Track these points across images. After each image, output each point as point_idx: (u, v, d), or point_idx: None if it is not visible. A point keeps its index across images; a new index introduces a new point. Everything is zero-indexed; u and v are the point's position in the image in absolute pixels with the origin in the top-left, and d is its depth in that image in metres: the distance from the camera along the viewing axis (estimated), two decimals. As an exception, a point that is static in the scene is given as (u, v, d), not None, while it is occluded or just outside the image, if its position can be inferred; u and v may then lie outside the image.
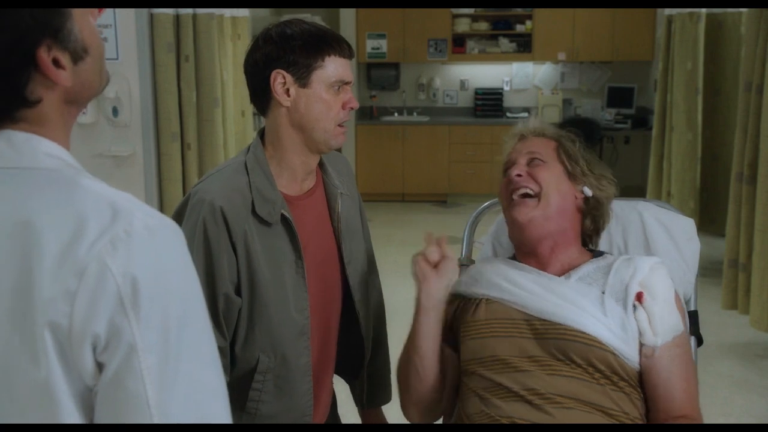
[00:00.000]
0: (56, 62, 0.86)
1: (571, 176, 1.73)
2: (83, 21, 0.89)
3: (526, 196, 1.69)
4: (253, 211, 1.55)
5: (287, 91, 1.58)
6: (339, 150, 1.79)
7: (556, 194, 1.69)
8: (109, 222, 0.81)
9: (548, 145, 1.76)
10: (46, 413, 0.80)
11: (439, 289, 1.66)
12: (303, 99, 1.58)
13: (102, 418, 0.80)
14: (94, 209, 0.82)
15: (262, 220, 1.56)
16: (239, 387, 1.60)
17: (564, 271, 1.69)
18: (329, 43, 1.58)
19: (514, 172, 1.72)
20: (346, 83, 1.61)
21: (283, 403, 1.63)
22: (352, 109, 1.62)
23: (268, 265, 1.57)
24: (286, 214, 1.58)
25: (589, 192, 1.72)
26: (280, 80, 1.57)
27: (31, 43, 0.83)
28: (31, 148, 0.85)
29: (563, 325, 1.58)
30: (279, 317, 1.58)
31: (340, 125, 1.62)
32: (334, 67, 1.58)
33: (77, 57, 0.88)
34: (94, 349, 0.79)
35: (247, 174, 1.58)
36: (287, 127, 1.60)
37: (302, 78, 1.57)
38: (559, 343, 1.57)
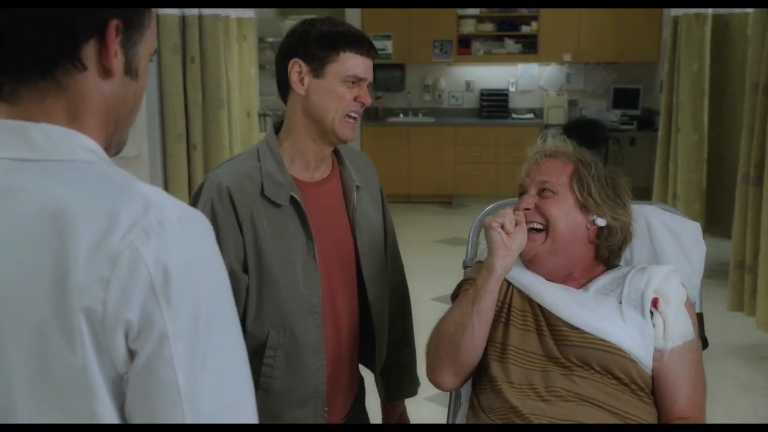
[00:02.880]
0: (114, 53, 0.89)
1: (583, 207, 1.69)
2: (145, 53, 0.94)
3: (533, 229, 1.69)
4: (262, 193, 1.63)
5: (302, 80, 1.66)
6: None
7: (564, 228, 1.68)
8: (141, 212, 0.82)
9: (563, 170, 1.72)
10: (81, 400, 0.81)
11: (514, 257, 1.66)
12: (316, 89, 1.66)
13: (133, 404, 0.82)
14: (126, 200, 0.84)
15: (271, 202, 1.63)
16: (252, 363, 1.61)
17: (581, 285, 1.72)
18: (347, 38, 1.65)
19: (523, 205, 1.71)
20: (361, 80, 1.66)
21: (294, 378, 1.67)
22: (363, 104, 1.68)
23: (278, 244, 1.63)
24: (296, 196, 1.64)
25: (601, 222, 1.69)
26: (296, 69, 1.66)
27: (107, 14, 0.87)
28: (68, 142, 0.87)
29: (585, 332, 1.60)
30: (287, 294, 1.64)
31: (349, 116, 1.67)
32: (348, 63, 1.64)
33: (129, 69, 0.92)
34: (127, 336, 0.81)
35: (259, 159, 1.67)
36: (300, 114, 1.68)
37: (317, 69, 1.65)
38: (578, 351, 1.59)
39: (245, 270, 1.63)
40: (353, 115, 1.68)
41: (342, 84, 1.64)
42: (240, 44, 4.70)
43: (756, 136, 3.95)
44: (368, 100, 1.68)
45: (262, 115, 5.24)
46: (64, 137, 0.87)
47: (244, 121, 4.74)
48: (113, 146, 0.96)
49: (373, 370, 1.90)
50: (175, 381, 0.81)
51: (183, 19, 4.02)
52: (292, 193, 1.64)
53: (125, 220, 0.82)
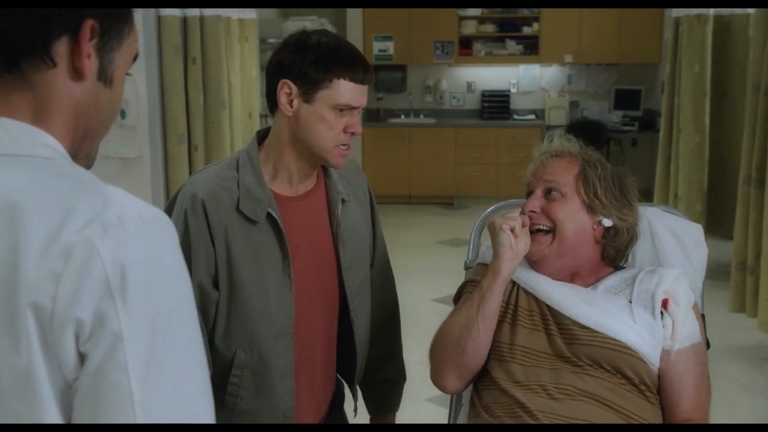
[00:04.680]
0: (87, 55, 0.86)
1: (589, 208, 1.69)
2: (122, 63, 0.91)
3: (539, 230, 1.69)
4: (237, 208, 1.57)
5: (291, 102, 1.58)
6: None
7: (571, 230, 1.68)
8: (101, 207, 0.79)
9: (569, 170, 1.72)
10: (26, 403, 0.76)
11: (519, 260, 1.67)
12: (304, 113, 1.58)
13: (80, 414, 0.76)
14: (85, 195, 0.80)
15: (246, 218, 1.58)
16: (218, 379, 1.60)
17: (588, 285, 1.72)
18: (343, 63, 1.56)
19: (528, 207, 1.71)
20: (353, 108, 1.59)
21: (261, 401, 1.63)
22: (353, 134, 1.61)
23: (251, 262, 1.58)
24: (273, 213, 1.59)
25: (608, 223, 1.69)
26: (285, 90, 1.58)
27: (83, 13, 0.85)
28: (28, 137, 0.84)
29: (595, 331, 1.60)
30: (257, 315, 1.59)
31: (341, 145, 1.61)
32: (341, 91, 1.56)
33: (102, 75, 0.89)
34: (77, 338, 0.76)
35: (238, 171, 1.61)
36: (287, 135, 1.62)
37: (307, 93, 1.57)
38: (589, 350, 1.59)
39: (216, 286, 1.58)
40: (345, 143, 1.61)
41: (331, 110, 1.57)
42: (241, 45, 4.70)
43: (757, 138, 3.95)
44: (358, 130, 1.61)
45: (264, 116, 5.23)
46: (23, 133, 0.84)
47: (245, 122, 4.74)
48: (82, 156, 0.92)
49: (350, 383, 1.86)
50: (129, 388, 0.75)
51: (184, 20, 4.01)
52: (269, 210, 1.58)
53: (82, 214, 0.77)
